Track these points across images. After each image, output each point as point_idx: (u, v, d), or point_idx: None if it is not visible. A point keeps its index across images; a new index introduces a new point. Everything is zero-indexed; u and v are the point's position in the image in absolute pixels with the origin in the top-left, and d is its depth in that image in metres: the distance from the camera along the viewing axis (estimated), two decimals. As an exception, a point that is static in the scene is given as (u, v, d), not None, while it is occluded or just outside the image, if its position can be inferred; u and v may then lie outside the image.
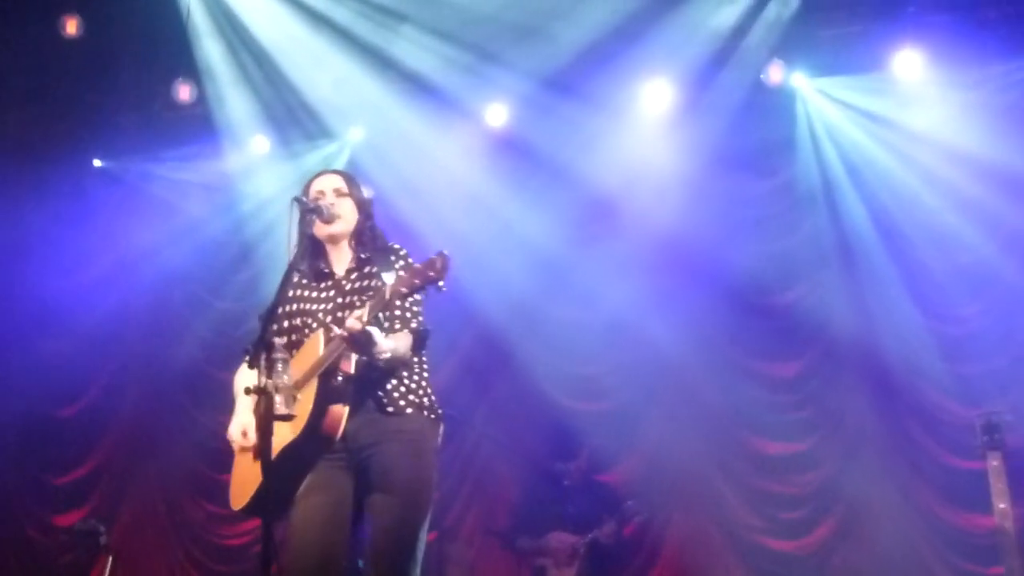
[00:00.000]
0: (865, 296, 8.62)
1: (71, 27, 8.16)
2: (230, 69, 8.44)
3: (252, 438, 4.33)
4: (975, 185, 8.34)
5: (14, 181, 9.24)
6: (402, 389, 4.42)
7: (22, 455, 9.47)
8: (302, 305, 4.53)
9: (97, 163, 9.17)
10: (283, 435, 4.09)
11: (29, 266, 9.38)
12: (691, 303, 8.66)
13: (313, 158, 8.60)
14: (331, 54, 8.26)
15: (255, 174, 8.81)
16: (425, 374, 4.54)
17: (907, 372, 8.41)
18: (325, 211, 4.48)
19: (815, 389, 8.69)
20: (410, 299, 4.35)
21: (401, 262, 4.49)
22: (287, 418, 4.02)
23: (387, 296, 4.13)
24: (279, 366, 4.02)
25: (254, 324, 4.36)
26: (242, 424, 4.41)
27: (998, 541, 6.07)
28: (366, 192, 4.75)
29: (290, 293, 4.53)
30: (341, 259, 4.63)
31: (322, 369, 4.21)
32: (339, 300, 4.50)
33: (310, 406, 4.19)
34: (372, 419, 4.35)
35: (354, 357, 4.23)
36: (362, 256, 4.60)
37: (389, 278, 4.23)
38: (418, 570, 4.32)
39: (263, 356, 4.02)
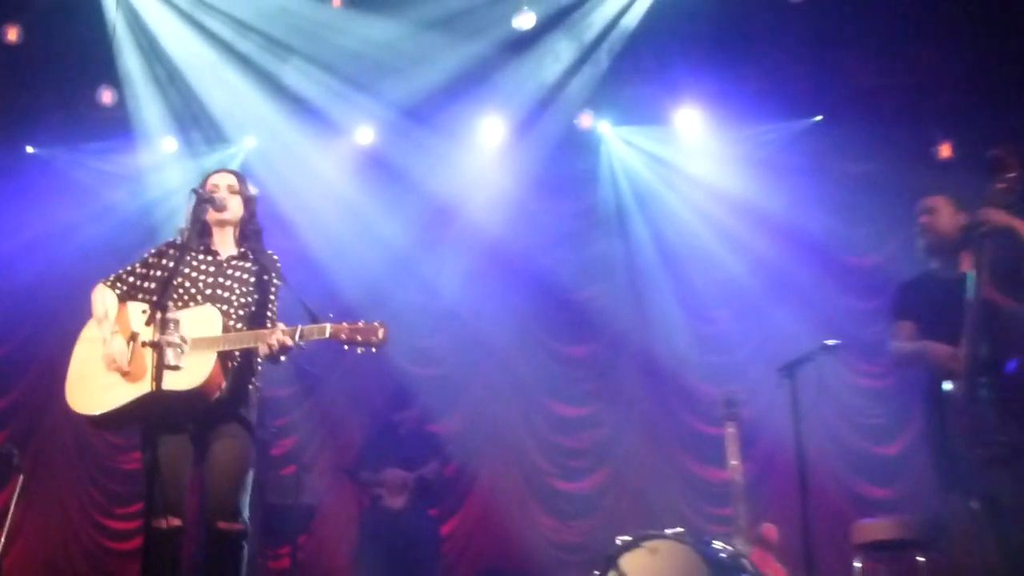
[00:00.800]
0: (643, 298, 8.94)
1: (12, 35, 7.93)
2: (146, 80, 8.28)
3: (125, 366, 4.34)
4: (732, 218, 8.75)
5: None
6: (255, 375, 4.59)
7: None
8: (187, 272, 4.54)
9: (29, 149, 8.99)
10: (173, 381, 4.03)
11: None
12: (509, 295, 8.88)
13: (212, 159, 8.50)
14: (231, 74, 8.16)
15: (163, 168, 8.68)
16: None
17: (671, 358, 8.76)
18: (217, 202, 4.55)
19: (600, 368, 9.00)
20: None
21: (276, 273, 4.62)
22: (174, 368, 4.00)
23: (327, 335, 4.27)
24: (171, 326, 4.05)
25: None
26: (119, 352, 4.39)
27: (731, 490, 6.28)
28: (252, 190, 4.78)
29: (178, 256, 4.42)
30: (225, 244, 4.68)
31: (222, 349, 4.31)
32: (218, 278, 4.57)
33: (207, 372, 4.25)
34: (237, 387, 4.46)
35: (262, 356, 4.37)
36: (243, 248, 4.67)
37: (328, 329, 4.30)
38: (247, 495, 4.43)
39: (158, 316, 4.04)
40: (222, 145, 8.72)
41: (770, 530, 7.03)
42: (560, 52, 8.23)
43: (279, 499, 7.94)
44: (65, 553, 8.56)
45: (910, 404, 7.95)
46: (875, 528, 6.65)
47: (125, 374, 4.38)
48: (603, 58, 8.23)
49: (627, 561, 5.50)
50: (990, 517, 4.48)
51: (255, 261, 4.66)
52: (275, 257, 4.74)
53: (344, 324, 4.33)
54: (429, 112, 8.49)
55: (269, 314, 4.64)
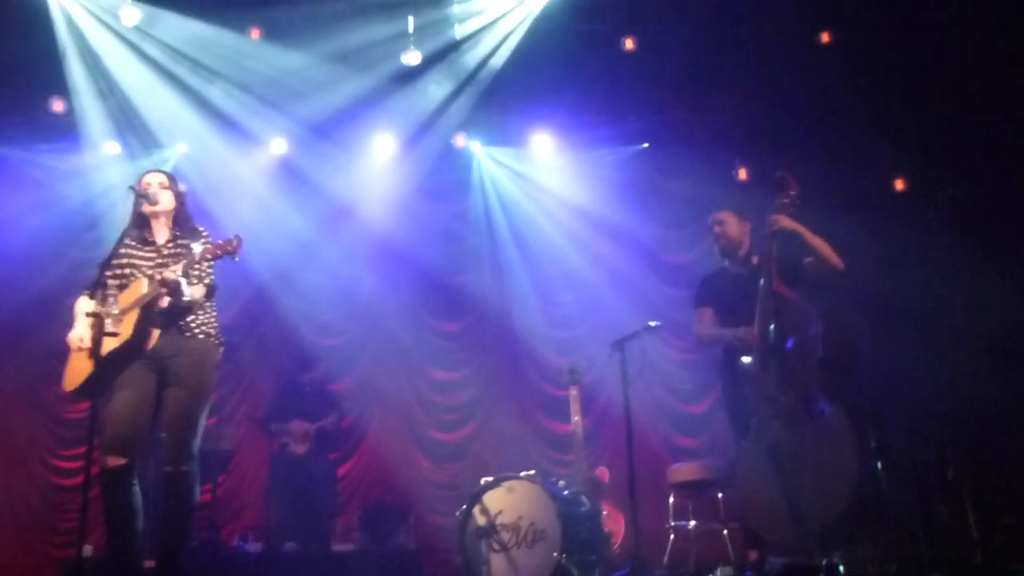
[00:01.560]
0: (504, 284, 8.95)
1: None
2: (92, 92, 7.88)
3: (87, 343, 4.20)
4: (576, 222, 8.84)
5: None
6: (197, 321, 4.38)
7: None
8: (131, 260, 4.42)
9: None
10: (110, 344, 4.04)
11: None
12: (396, 279, 8.72)
13: (148, 161, 8.09)
14: (165, 90, 7.83)
15: (105, 168, 8.27)
16: (213, 313, 4.49)
17: (526, 334, 8.83)
18: (151, 196, 4.43)
19: (470, 340, 8.97)
20: (208, 264, 4.32)
21: (205, 239, 4.43)
22: (113, 335, 4.01)
23: (196, 259, 4.16)
24: (110, 299, 4.06)
25: (94, 270, 4.32)
26: (80, 334, 4.29)
27: (573, 440, 6.30)
28: (182, 187, 4.65)
29: (122, 251, 4.40)
30: (161, 232, 4.53)
31: (143, 303, 4.16)
32: (158, 261, 4.40)
33: (132, 326, 4.15)
34: (174, 339, 4.29)
35: (167, 298, 4.22)
36: (176, 233, 4.52)
37: (197, 248, 4.22)
38: (198, 440, 4.29)
39: (99, 291, 4.09)
40: (156, 150, 8.32)
41: (603, 472, 7.06)
42: (440, 84, 8.13)
43: (202, 445, 7.45)
44: (18, 487, 8.08)
45: (712, 374, 8.14)
46: (684, 471, 6.74)
47: (88, 352, 4.25)
48: (475, 91, 8.17)
49: (489, 497, 5.53)
50: (772, 460, 4.52)
51: (188, 240, 4.50)
52: (204, 232, 4.60)
53: (208, 245, 4.27)
54: (332, 129, 8.30)
55: (204, 275, 4.45)
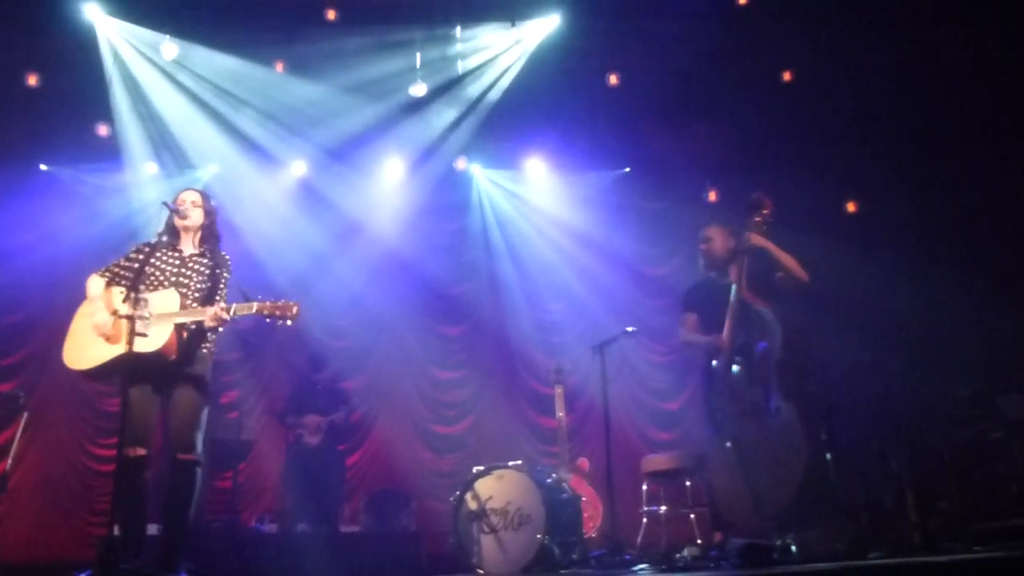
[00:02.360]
0: (500, 294, 8.93)
1: (32, 80, 7.56)
2: (133, 117, 7.91)
3: (109, 331, 4.21)
4: (565, 238, 8.85)
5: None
6: (208, 342, 4.41)
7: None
8: (158, 265, 4.40)
9: (43, 167, 8.42)
10: (139, 345, 4.01)
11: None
12: (402, 288, 8.67)
13: (182, 180, 8.12)
14: (198, 117, 7.86)
15: (144, 186, 8.26)
16: (216, 336, 4.43)
17: (519, 338, 8.82)
18: (182, 212, 4.44)
19: (468, 343, 8.93)
20: (254, 310, 4.20)
21: (226, 269, 4.45)
22: (142, 335, 3.99)
23: (253, 310, 4.12)
24: (142, 303, 4.06)
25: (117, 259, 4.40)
26: (104, 321, 4.27)
27: (558, 433, 6.40)
28: (212, 204, 4.63)
29: (149, 251, 4.39)
30: (188, 245, 4.50)
31: (179, 320, 4.20)
32: (181, 270, 4.40)
33: (166, 338, 4.15)
34: (190, 350, 4.30)
35: (210, 323, 4.19)
36: (203, 248, 4.50)
37: (252, 306, 4.14)
38: (201, 434, 4.27)
39: (132, 296, 4.02)
40: (190, 170, 8.31)
41: (584, 463, 7.08)
42: (444, 113, 8.16)
43: (225, 435, 7.67)
44: (60, 471, 8.06)
45: (685, 374, 8.28)
46: (657, 460, 6.72)
47: (107, 339, 4.28)
48: (475, 119, 8.20)
49: (480, 484, 5.48)
50: (738, 453, 4.52)
51: (211, 258, 4.50)
52: (227, 257, 4.59)
53: (267, 302, 4.20)
54: (346, 153, 8.29)
55: (218, 298, 4.46)
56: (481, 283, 9.01)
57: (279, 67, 7.66)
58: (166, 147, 8.15)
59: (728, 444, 4.57)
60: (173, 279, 4.38)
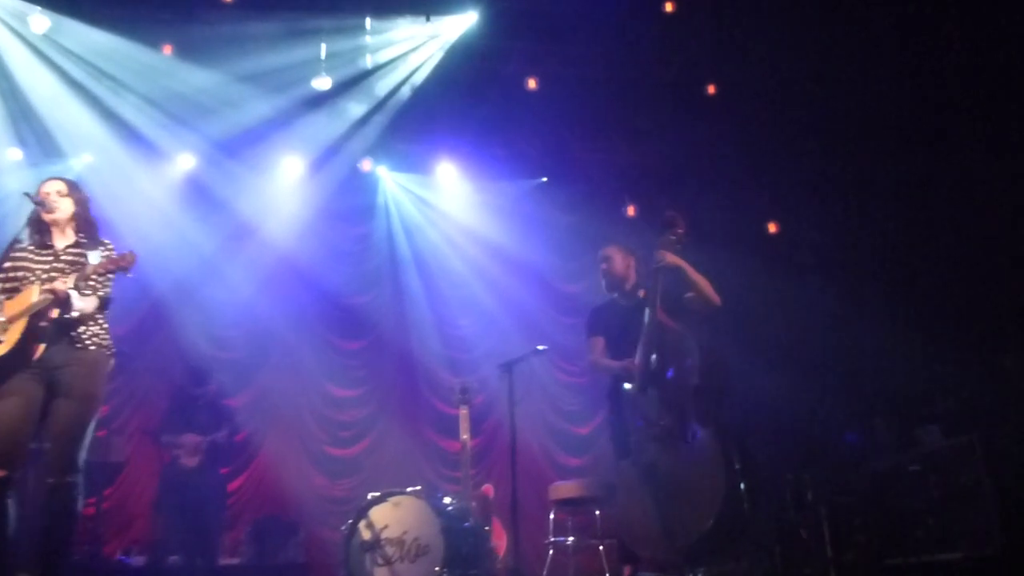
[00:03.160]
0: (404, 305, 8.88)
1: None
2: None
3: None
4: (476, 249, 8.88)
5: None
6: (88, 332, 4.14)
7: None
8: (25, 264, 4.20)
9: None
10: None
11: None
12: (297, 297, 8.54)
13: (51, 169, 7.52)
14: (71, 99, 7.50)
15: (6, 173, 7.73)
16: (105, 324, 4.24)
17: (423, 354, 8.78)
18: (47, 205, 4.24)
19: (368, 359, 8.80)
20: (103, 276, 4.11)
21: (106, 251, 4.20)
22: None
23: (89, 272, 3.97)
24: None
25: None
26: None
27: (461, 458, 6.24)
28: (82, 193, 4.42)
29: (15, 255, 4.19)
30: (61, 238, 4.31)
31: (32, 312, 3.95)
32: (55, 265, 4.19)
33: (18, 334, 3.95)
34: (64, 349, 4.06)
35: (56, 309, 4.02)
36: (79, 238, 4.30)
37: (94, 259, 4.01)
38: (84, 453, 4.06)
39: None
40: (59, 158, 7.92)
41: (488, 489, 7.01)
42: (349, 110, 8.04)
43: (91, 457, 7.01)
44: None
45: (598, 397, 8.25)
46: (565, 488, 6.73)
47: None
48: (383, 118, 8.12)
49: (376, 512, 5.43)
50: (648, 480, 4.53)
51: (88, 247, 4.25)
52: (109, 244, 4.34)
53: (102, 260, 4.07)
54: (239, 147, 8.09)
55: (99, 287, 4.21)
56: (384, 294, 8.92)
57: (167, 50, 7.41)
58: (32, 131, 7.78)
59: (638, 471, 4.56)
60: (45, 277, 4.16)
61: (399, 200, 9.12)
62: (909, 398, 6.66)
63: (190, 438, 7.25)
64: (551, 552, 6.59)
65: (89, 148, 8.02)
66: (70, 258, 4.26)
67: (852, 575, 4.71)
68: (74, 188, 4.44)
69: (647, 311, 4.72)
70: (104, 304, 4.23)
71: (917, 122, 7.38)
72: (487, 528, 6.13)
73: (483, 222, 8.85)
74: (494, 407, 8.10)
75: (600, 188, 8.69)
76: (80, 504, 4.09)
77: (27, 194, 4.22)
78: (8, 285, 4.16)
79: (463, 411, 6.35)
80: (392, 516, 5.32)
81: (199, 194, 8.31)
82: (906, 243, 7.51)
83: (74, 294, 4.00)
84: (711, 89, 8.11)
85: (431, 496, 5.49)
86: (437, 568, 5.04)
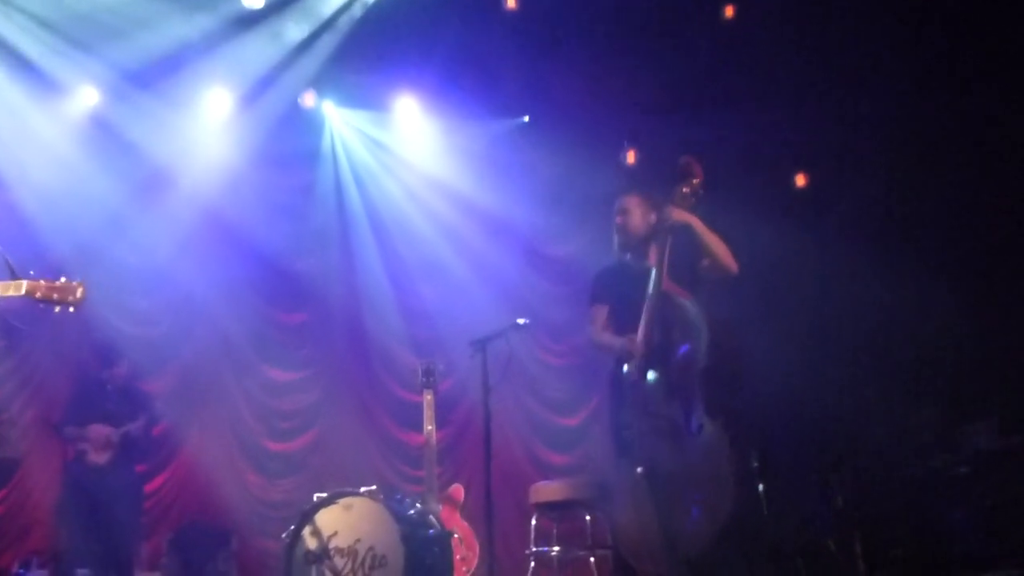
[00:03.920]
0: (356, 271, 8.90)
1: None
2: None
3: None
4: (443, 203, 8.88)
5: None
6: None
7: None
8: None
9: None
10: None
11: None
12: (227, 261, 8.50)
13: None
14: None
15: None
16: None
17: (379, 329, 8.81)
18: None
19: (313, 335, 8.85)
20: None
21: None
22: None
23: (23, 291, 4.06)
24: None
25: None
26: None
27: (425, 453, 6.35)
28: None
29: None
30: None
31: None
32: None
33: None
34: None
35: None
36: None
37: (24, 284, 4.09)
38: None
39: None
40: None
41: (457, 490, 7.13)
42: (287, 33, 7.99)
43: None
44: None
45: (591, 382, 8.37)
46: (549, 490, 6.81)
47: None
48: (330, 42, 8.08)
49: (323, 517, 5.46)
50: (650, 481, 4.56)
51: None
52: None
53: (41, 281, 4.08)
54: (154, 78, 8.00)
55: None
56: (331, 258, 8.94)
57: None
58: None
59: (638, 470, 4.60)
60: None
61: (349, 143, 9.10)
62: (959, 388, 6.73)
63: (98, 430, 7.26)
64: (532, 564, 6.69)
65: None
66: None
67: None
68: None
69: (652, 278, 4.74)
70: None
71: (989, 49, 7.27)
72: (455, 536, 6.20)
73: (451, 170, 8.85)
74: (465, 393, 8.15)
75: (594, 129, 8.67)
76: None
77: None
78: None
79: (427, 397, 6.46)
80: (342, 522, 5.37)
81: (105, 136, 8.24)
82: (971, 202, 7.40)
83: None
84: (729, 11, 8.08)
85: (389, 498, 5.56)
86: (396, 584, 5.10)
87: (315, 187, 9.01)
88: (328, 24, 8.00)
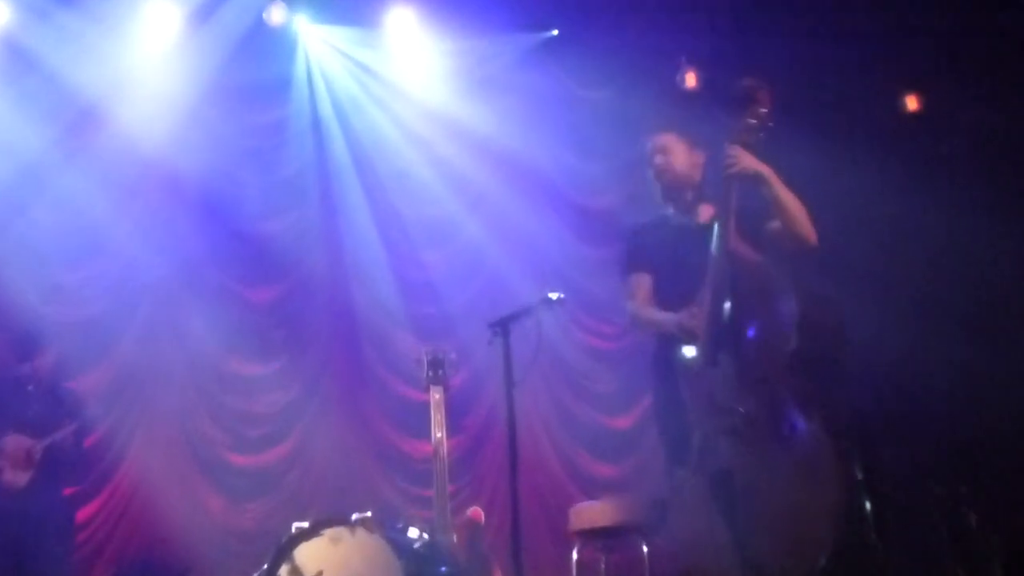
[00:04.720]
0: (340, 233, 8.92)
1: None
2: None
3: None
4: (449, 145, 8.87)
5: None
6: None
7: None
8: None
9: None
10: None
11: None
12: (176, 223, 8.55)
13: None
14: None
15: None
16: None
17: (371, 307, 8.82)
18: None
19: (288, 316, 8.84)
20: None
21: None
22: None
23: None
24: None
25: None
26: None
27: (434, 467, 6.09)
28: None
29: None
30: None
31: None
32: None
33: None
34: None
35: None
36: None
37: None
38: None
39: None
40: None
41: (476, 514, 7.03)
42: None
43: None
44: None
45: (644, 371, 8.25)
46: (594, 512, 6.81)
47: None
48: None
49: (304, 552, 5.38)
50: (720, 497, 4.52)
51: None
52: None
53: None
54: (81, -9, 8.05)
55: None
56: (310, 216, 8.97)
57: None
58: None
59: (707, 484, 4.58)
60: None
61: (329, 70, 9.11)
62: None
63: (15, 442, 7.25)
64: (574, 608, 6.68)
65: None
66: None
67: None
68: None
69: (716, 236, 4.69)
70: None
71: None
72: (476, 573, 6.17)
73: (460, 103, 8.84)
74: (483, 389, 8.24)
75: (641, 45, 8.64)
76: None
77: None
78: None
79: (435, 396, 6.34)
80: (329, 557, 5.32)
81: (17, 64, 8.27)
82: None
83: None
84: None
85: (388, 527, 5.51)
86: (398, 636, 5.10)
87: (287, 127, 9.02)
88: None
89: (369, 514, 5.60)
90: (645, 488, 7.40)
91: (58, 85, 8.22)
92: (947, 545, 5.92)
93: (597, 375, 8.97)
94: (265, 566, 5.39)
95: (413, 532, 5.77)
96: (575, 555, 6.82)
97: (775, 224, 4.81)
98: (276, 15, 8.60)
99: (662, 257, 5.09)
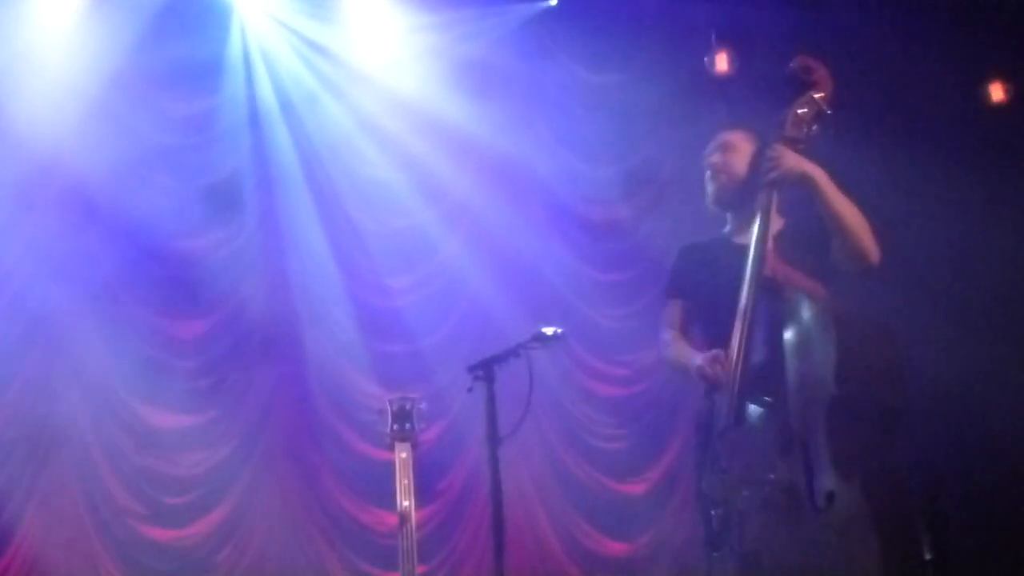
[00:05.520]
0: (285, 252, 8.94)
1: None
2: None
3: None
4: (420, 142, 8.87)
5: None
6: None
7: None
8: None
9: None
10: None
11: None
12: (79, 243, 8.55)
13: None
14: None
15: None
16: None
17: (324, 345, 8.84)
18: None
19: (217, 354, 8.84)
20: None
21: None
22: None
23: None
24: None
25: None
26: None
27: (400, 544, 6.29)
28: None
29: None
30: None
31: None
32: None
33: None
34: None
35: None
36: None
37: None
38: None
39: None
40: None
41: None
42: None
43: None
44: None
45: (667, 423, 8.43)
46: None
47: None
48: None
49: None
50: (750, 580, 4.55)
51: None
52: None
53: None
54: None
55: None
56: (246, 232, 9.01)
57: None
58: None
59: (737, 567, 4.61)
60: None
61: (271, 50, 9.15)
62: None
63: None
64: None
65: None
66: None
67: None
68: None
69: (751, 256, 4.71)
70: None
71: None
72: None
73: (435, 89, 8.90)
74: (462, 446, 8.28)
75: (661, 18, 8.74)
76: None
77: None
78: None
79: (401, 454, 6.47)
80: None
81: None
82: None
83: None
84: None
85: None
86: None
87: (217, 121, 9.05)
88: None
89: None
90: (663, 568, 7.42)
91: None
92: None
93: (603, 427, 9.01)
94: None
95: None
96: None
97: (835, 241, 4.76)
98: (210, -19, 8.63)
99: (700, 281, 5.09)
